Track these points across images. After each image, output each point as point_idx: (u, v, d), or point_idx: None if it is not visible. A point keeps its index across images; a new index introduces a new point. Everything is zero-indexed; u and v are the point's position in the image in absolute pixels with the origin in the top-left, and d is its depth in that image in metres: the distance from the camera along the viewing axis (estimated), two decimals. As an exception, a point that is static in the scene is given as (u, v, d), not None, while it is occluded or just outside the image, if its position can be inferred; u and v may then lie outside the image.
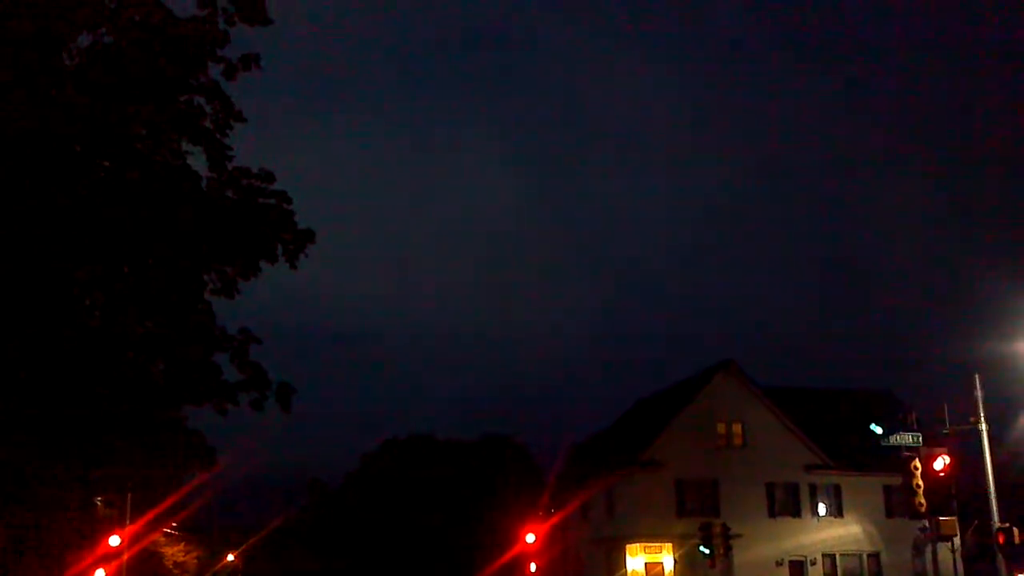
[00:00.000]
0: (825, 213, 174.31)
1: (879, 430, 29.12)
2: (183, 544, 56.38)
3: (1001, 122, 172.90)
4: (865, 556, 47.09)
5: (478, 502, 64.00)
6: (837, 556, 46.78)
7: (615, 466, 48.01)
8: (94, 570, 33.59)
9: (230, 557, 72.11)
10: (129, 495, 37.32)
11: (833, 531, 46.84)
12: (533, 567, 44.56)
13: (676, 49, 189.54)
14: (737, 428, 47.43)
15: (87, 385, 12.36)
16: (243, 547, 71.46)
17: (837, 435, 46.48)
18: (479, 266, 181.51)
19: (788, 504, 46.98)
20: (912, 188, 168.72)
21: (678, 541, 43.85)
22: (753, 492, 46.11)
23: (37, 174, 11.34)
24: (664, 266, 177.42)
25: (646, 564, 44.75)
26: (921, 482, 27.32)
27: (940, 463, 27.48)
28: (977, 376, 29.16)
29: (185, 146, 12.27)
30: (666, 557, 44.55)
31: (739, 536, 40.11)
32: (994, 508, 28.27)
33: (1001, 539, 27.54)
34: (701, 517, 41.48)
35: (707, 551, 38.17)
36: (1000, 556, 28.39)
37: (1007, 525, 27.97)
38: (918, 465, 27.54)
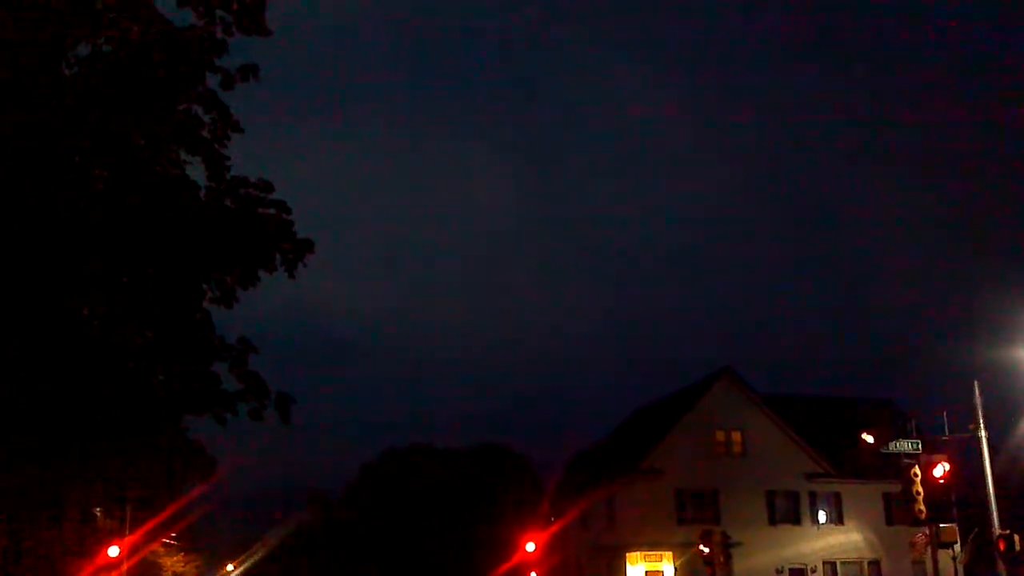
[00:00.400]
0: (825, 219, 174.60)
1: (870, 439, 29.17)
2: (182, 555, 56.25)
3: (1004, 128, 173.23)
4: (866, 564, 47.06)
5: (478, 511, 63.95)
6: (838, 564, 46.75)
7: (615, 474, 48.00)
8: (93, 581, 33.51)
9: (229, 567, 71.98)
10: (129, 505, 37.26)
11: (833, 539, 46.83)
12: (533, 576, 44.51)
13: (675, 51, 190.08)
14: (736, 436, 47.44)
15: (86, 396, 12.35)
16: (242, 557, 71.32)
17: (837, 443, 46.53)
18: (478, 275, 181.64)
19: (788, 512, 46.96)
20: (912, 194, 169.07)
21: (678, 549, 43.80)
22: (753, 500, 46.09)
23: (36, 183, 11.36)
24: (663, 272, 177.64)
25: (646, 573, 44.70)
26: (921, 489, 27.31)
27: (940, 470, 27.48)
28: (976, 383, 29.20)
29: (183, 156, 12.29)
30: (666, 566, 44.50)
31: (739, 544, 40.08)
32: (994, 515, 28.27)
33: (1002, 546, 27.54)
34: (701, 525, 41.45)
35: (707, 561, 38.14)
36: (1001, 563, 28.37)
37: (1008, 532, 27.97)
38: (918, 472, 27.54)
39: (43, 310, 11.84)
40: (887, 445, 28.72)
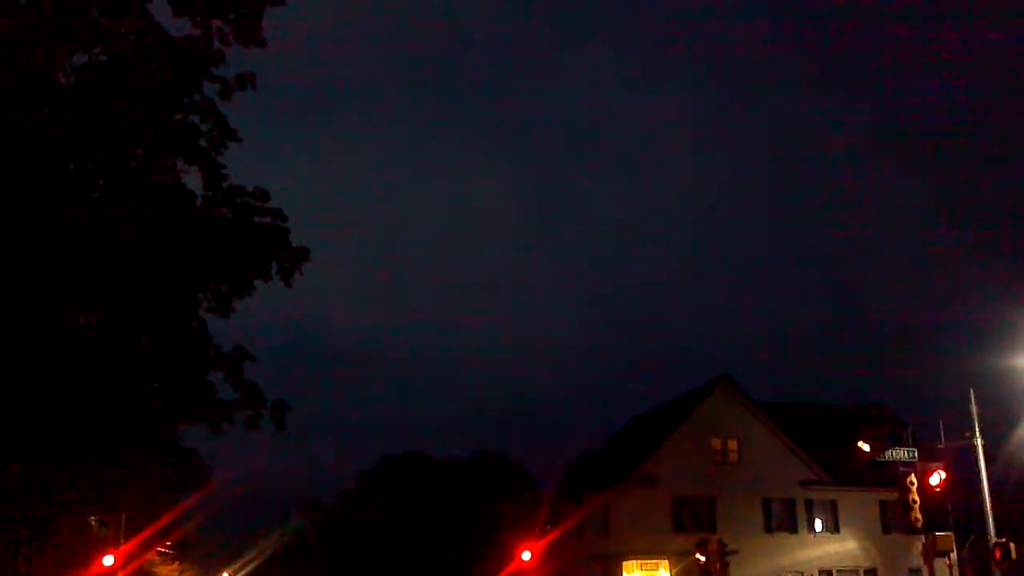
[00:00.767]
0: (822, 226, 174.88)
1: (867, 447, 29.20)
2: (177, 563, 56.04)
3: (1005, 134, 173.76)
4: (862, 572, 47.05)
5: (474, 520, 63.82)
6: (834, 572, 46.71)
7: (611, 482, 47.94)
8: (88, 590, 33.37)
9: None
10: (124, 514, 37.11)
11: (830, 547, 46.80)
12: (529, 585, 44.38)
13: (674, 56, 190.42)
14: (733, 444, 47.44)
15: (82, 404, 12.33)
16: (237, 566, 71.06)
17: (833, 450, 46.52)
18: (476, 283, 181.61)
19: (784, 520, 46.94)
20: (910, 201, 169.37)
21: (675, 558, 43.75)
22: (749, 508, 46.07)
23: (33, 190, 11.36)
24: (660, 281, 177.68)
25: (643, 581, 44.65)
26: (917, 497, 27.31)
27: (936, 478, 27.49)
28: (972, 391, 29.22)
29: (180, 165, 12.30)
30: (663, 574, 44.45)
31: (736, 552, 40.01)
32: (990, 523, 28.26)
33: (998, 554, 27.52)
34: (698, 533, 41.39)
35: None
36: (997, 572, 28.36)
37: (1004, 540, 27.96)
38: (914, 480, 27.54)
39: (40, 317, 11.83)
40: (883, 453, 28.73)
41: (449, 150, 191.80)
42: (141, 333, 12.92)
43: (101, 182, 12.38)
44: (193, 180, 12.46)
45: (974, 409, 28.91)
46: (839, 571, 46.79)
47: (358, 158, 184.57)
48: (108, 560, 35.18)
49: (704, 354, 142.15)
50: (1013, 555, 27.27)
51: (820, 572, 46.35)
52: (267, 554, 70.31)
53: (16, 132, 11.13)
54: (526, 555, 43.65)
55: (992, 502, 28.62)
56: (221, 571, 70.98)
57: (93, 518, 35.00)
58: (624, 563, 44.85)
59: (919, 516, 27.28)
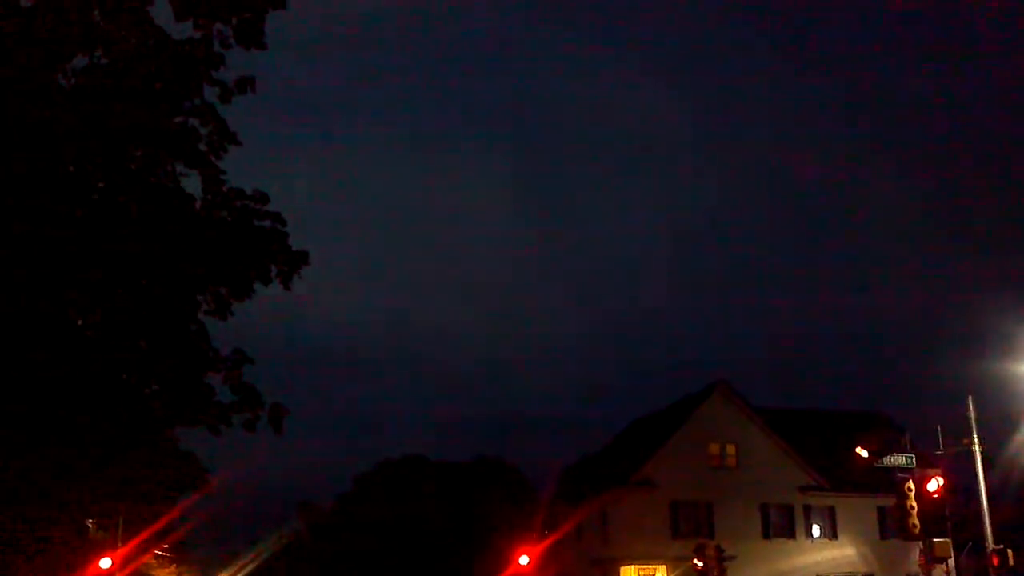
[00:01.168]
0: (819, 232, 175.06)
1: (865, 453, 29.25)
2: (174, 566, 56.00)
3: (1006, 136, 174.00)
4: (860, 578, 47.04)
5: (472, 523, 63.82)
6: (831, 578, 46.71)
7: (609, 487, 47.95)
8: (85, 592, 33.38)
9: (221, 578, 71.59)
10: (121, 517, 37.12)
11: (827, 553, 46.79)
12: (527, 589, 44.36)
13: (672, 61, 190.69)
14: (731, 449, 47.46)
15: (81, 406, 12.35)
16: (234, 568, 70.99)
17: (831, 456, 46.57)
18: (474, 287, 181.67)
19: (782, 525, 46.94)
20: (908, 206, 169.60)
21: (672, 563, 43.76)
22: (747, 513, 46.08)
23: (32, 191, 11.38)
24: (656, 285, 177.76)
25: (640, 586, 44.65)
26: (915, 503, 27.34)
27: (934, 484, 27.53)
28: (970, 397, 29.27)
29: (180, 168, 12.32)
30: (660, 579, 44.46)
31: (733, 558, 40.05)
32: (988, 530, 28.29)
33: (995, 561, 27.55)
34: (695, 538, 41.41)
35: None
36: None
37: (1001, 547, 27.99)
38: (912, 486, 27.58)
39: (40, 318, 11.85)
40: (881, 459, 28.78)
41: (447, 152, 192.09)
42: (140, 335, 12.93)
43: (101, 184, 12.40)
44: (192, 183, 12.49)
45: (972, 415, 28.95)
46: (836, 577, 46.79)
47: (356, 160, 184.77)
48: (105, 563, 35.19)
49: (702, 358, 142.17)
50: (1010, 562, 27.30)
51: (817, 578, 46.35)
52: (264, 556, 70.23)
53: (16, 132, 11.15)
54: (523, 559, 43.63)
55: (990, 508, 28.65)
56: (218, 573, 70.88)
57: (91, 520, 35.00)
58: (621, 568, 44.85)
59: (917, 522, 27.31)
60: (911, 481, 27.71)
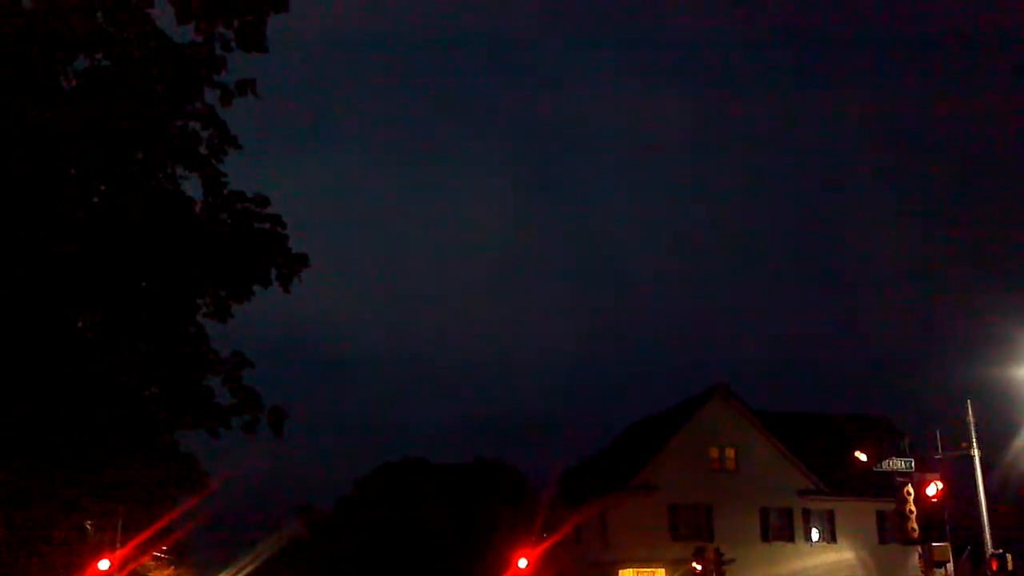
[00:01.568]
0: (819, 237, 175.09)
1: (864, 457, 29.29)
2: (172, 568, 56.01)
3: (1007, 143, 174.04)
4: (858, 582, 47.03)
5: (471, 526, 63.79)
6: (830, 582, 46.70)
7: (608, 490, 47.95)
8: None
9: (220, 581, 71.56)
10: (120, 519, 37.12)
11: (826, 557, 46.79)
12: (526, 592, 44.34)
13: (672, 61, 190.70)
14: (730, 452, 47.48)
15: (79, 408, 12.36)
16: (232, 571, 70.96)
17: (831, 460, 46.59)
18: (473, 290, 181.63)
19: (782, 529, 46.95)
20: (908, 211, 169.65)
21: (671, 566, 43.76)
22: (747, 517, 46.09)
23: (32, 192, 11.40)
24: (656, 287, 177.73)
25: (639, 589, 44.65)
26: (914, 508, 27.35)
27: (933, 489, 27.55)
28: (969, 402, 29.29)
29: (180, 171, 12.33)
30: (659, 582, 44.45)
31: (732, 561, 40.04)
32: (987, 534, 28.29)
33: (995, 566, 27.55)
34: (694, 542, 41.42)
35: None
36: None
37: (1000, 551, 28.00)
38: (911, 491, 27.59)
39: (40, 320, 11.86)
40: (880, 463, 28.80)
41: (447, 153, 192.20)
42: (139, 337, 12.94)
43: (102, 186, 12.41)
44: (193, 185, 12.50)
45: (971, 420, 28.97)
46: (835, 581, 46.77)
47: (355, 163, 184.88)
48: (104, 564, 35.20)
49: (702, 360, 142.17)
50: (1009, 566, 27.30)
51: (816, 582, 46.35)
52: (263, 559, 70.22)
53: (17, 134, 11.17)
54: (522, 561, 43.62)
55: (989, 513, 28.65)
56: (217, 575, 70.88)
57: (90, 522, 34.99)
58: (621, 571, 44.86)
59: (916, 526, 27.32)
60: (910, 485, 27.72)
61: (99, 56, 11.89)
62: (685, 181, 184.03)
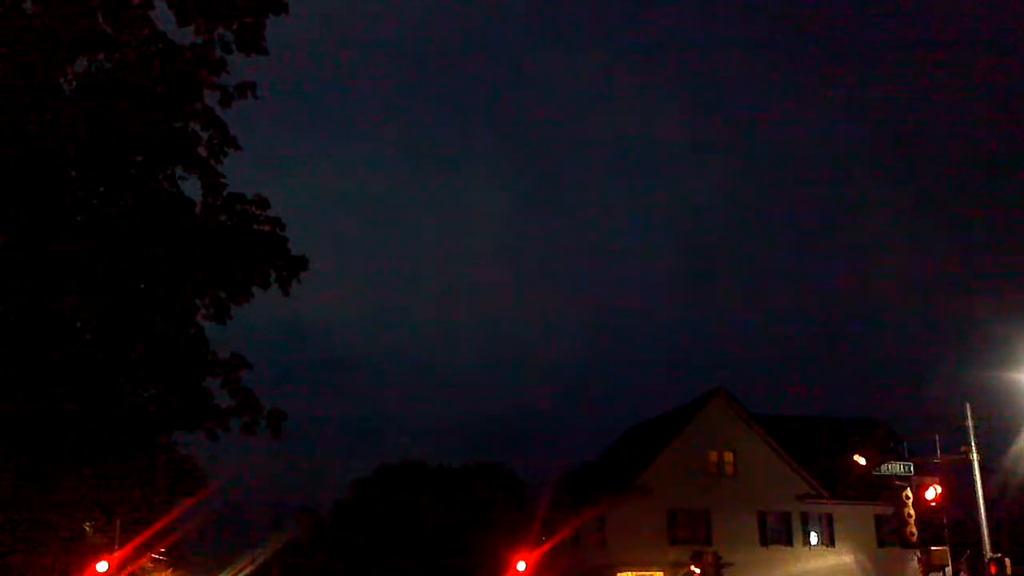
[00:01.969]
0: (818, 240, 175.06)
1: (862, 461, 29.28)
2: (171, 570, 55.95)
3: (1008, 143, 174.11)
4: (857, 586, 47.00)
5: (469, 529, 63.72)
6: (829, 586, 46.67)
7: (607, 493, 47.93)
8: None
9: (218, 583, 71.45)
10: (118, 520, 37.11)
11: (825, 561, 46.77)
12: (524, 595, 44.28)
13: (673, 62, 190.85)
14: (729, 456, 47.47)
15: (77, 410, 12.35)
16: (231, 572, 70.89)
17: (829, 464, 46.55)
18: (471, 293, 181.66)
19: (780, 533, 46.92)
20: (907, 215, 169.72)
21: (670, 569, 43.72)
22: (745, 521, 46.06)
23: (30, 193, 11.40)
24: (655, 293, 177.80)
25: (637, 592, 44.61)
26: (912, 512, 27.33)
27: (931, 492, 27.53)
28: (968, 405, 29.25)
29: (179, 172, 12.34)
30: (658, 585, 44.41)
31: (731, 565, 40.04)
32: (985, 538, 28.26)
33: (993, 569, 27.51)
34: (693, 545, 41.42)
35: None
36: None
37: (999, 555, 27.96)
38: (909, 495, 27.57)
39: (38, 321, 11.86)
40: (879, 467, 28.80)
41: (448, 155, 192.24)
42: (138, 339, 12.93)
43: (101, 188, 12.42)
44: (192, 187, 12.50)
45: (970, 424, 28.94)
46: (834, 585, 46.73)
47: (356, 163, 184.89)
48: (102, 566, 35.17)
49: (701, 363, 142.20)
50: (1008, 570, 27.26)
51: (815, 586, 46.31)
52: (261, 561, 70.17)
53: (17, 135, 11.18)
54: (521, 565, 43.58)
55: (988, 516, 28.62)
56: (215, 578, 70.80)
57: (88, 524, 34.98)
58: (619, 574, 44.82)
59: (915, 530, 27.31)
60: (909, 489, 27.70)
61: (99, 57, 11.90)
62: (685, 182, 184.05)
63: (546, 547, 49.92)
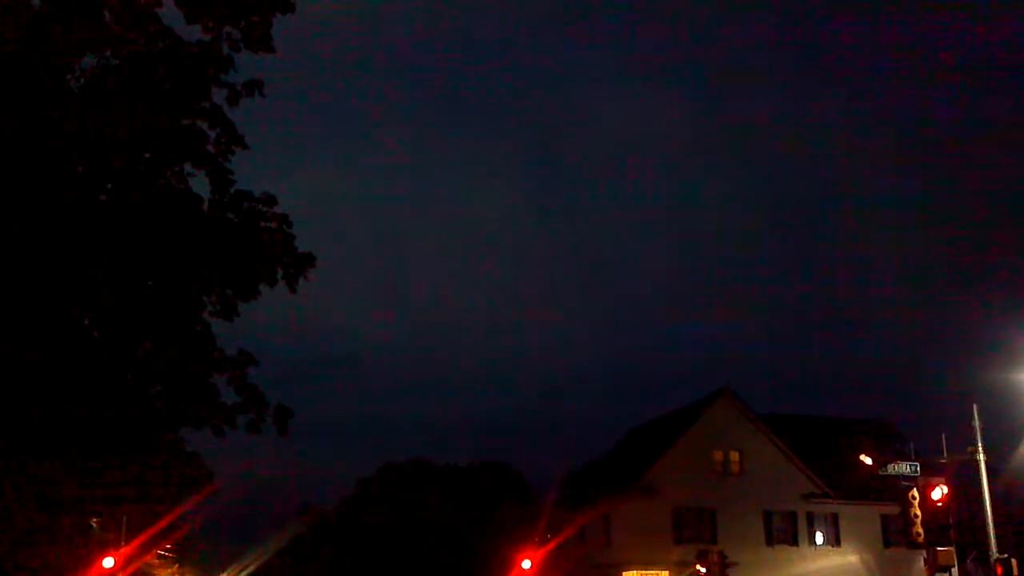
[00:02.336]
0: (823, 239, 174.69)
1: (869, 461, 29.19)
2: (176, 566, 56.13)
3: (1009, 146, 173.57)
4: (863, 586, 46.93)
5: (475, 528, 63.76)
6: (835, 586, 46.61)
7: (612, 492, 47.92)
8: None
9: (223, 579, 71.62)
10: (125, 516, 37.21)
11: (831, 560, 46.70)
12: (529, 593, 44.29)
13: (673, 62, 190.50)
14: (735, 456, 47.43)
15: (86, 405, 12.39)
16: (236, 569, 71.03)
17: (835, 464, 46.49)
18: (477, 292, 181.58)
19: (786, 533, 46.87)
20: (912, 215, 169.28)
21: (675, 568, 43.70)
22: (750, 520, 46.01)
23: (40, 190, 11.43)
24: (661, 292, 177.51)
25: (643, 591, 44.62)
26: (919, 512, 27.25)
27: (938, 493, 27.44)
28: (975, 405, 29.17)
29: (187, 169, 12.37)
30: (663, 584, 44.41)
31: (736, 564, 39.98)
32: (992, 538, 28.19)
33: (1000, 570, 27.43)
34: (698, 544, 41.40)
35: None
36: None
37: (1006, 556, 27.88)
38: (916, 495, 27.48)
39: (46, 318, 11.89)
40: (885, 467, 28.68)
41: (453, 155, 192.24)
42: (145, 335, 12.96)
43: (109, 184, 12.45)
44: (200, 184, 12.54)
45: (977, 424, 28.86)
46: (840, 585, 46.68)
47: (363, 163, 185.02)
48: (108, 562, 35.25)
49: (706, 362, 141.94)
50: (1015, 571, 27.18)
51: (821, 586, 46.27)
52: (266, 558, 70.30)
53: (26, 131, 11.21)
54: (526, 563, 43.56)
55: (995, 517, 28.55)
56: (220, 574, 70.95)
57: (94, 520, 35.09)
58: (624, 573, 44.83)
59: (921, 531, 27.21)
60: (915, 489, 27.62)
61: (107, 55, 11.94)
62: (687, 181, 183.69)
63: (551, 545, 49.88)
